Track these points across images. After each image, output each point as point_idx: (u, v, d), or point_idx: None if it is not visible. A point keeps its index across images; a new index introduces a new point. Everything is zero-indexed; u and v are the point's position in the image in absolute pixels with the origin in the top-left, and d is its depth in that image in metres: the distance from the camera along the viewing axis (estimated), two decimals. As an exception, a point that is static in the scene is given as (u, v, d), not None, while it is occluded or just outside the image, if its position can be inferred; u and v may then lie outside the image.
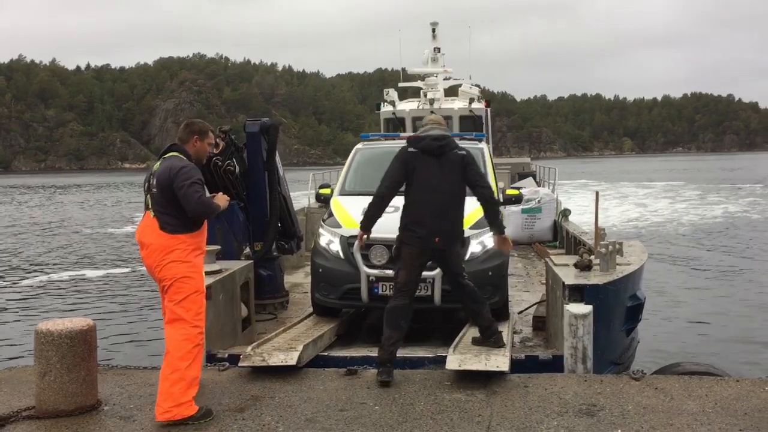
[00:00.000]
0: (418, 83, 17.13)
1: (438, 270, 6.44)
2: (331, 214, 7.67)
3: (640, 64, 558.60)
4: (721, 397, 5.03)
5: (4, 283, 18.62)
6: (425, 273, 6.13)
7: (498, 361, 5.62)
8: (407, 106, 15.89)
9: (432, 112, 15.50)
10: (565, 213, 14.12)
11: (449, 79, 17.59)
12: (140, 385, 5.56)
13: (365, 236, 6.14)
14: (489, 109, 16.61)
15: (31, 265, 22.15)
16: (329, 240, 7.28)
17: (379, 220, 6.13)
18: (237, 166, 8.44)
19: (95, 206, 49.14)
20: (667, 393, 5.10)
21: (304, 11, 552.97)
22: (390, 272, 6.35)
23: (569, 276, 6.42)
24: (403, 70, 18.02)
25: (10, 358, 10.75)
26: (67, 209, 46.59)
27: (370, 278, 6.79)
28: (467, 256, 6.73)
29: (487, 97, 20.23)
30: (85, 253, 24.79)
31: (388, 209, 6.24)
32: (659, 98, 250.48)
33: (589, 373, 5.79)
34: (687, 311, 13.83)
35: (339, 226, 7.33)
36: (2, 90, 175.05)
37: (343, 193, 8.25)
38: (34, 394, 4.98)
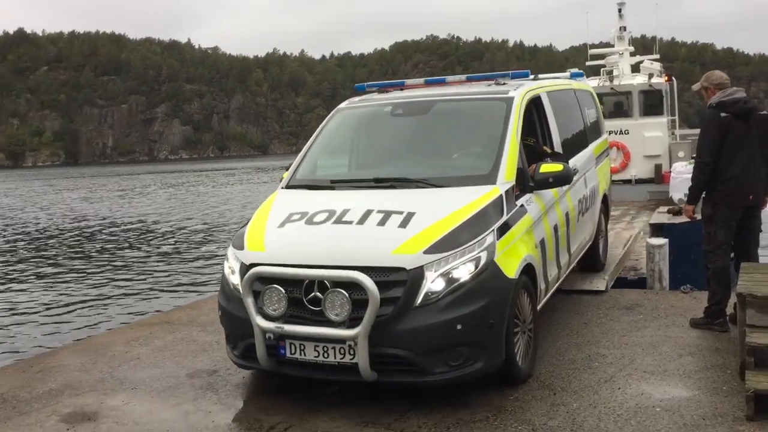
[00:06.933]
0: (604, 61, 18.56)
1: (359, 328, 4.22)
2: (245, 224, 5.28)
3: None
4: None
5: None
6: (343, 332, 4.29)
7: (598, 283, 7.58)
8: (589, 84, 17.40)
9: (612, 88, 17.03)
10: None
11: (634, 55, 18.83)
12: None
13: (693, 209, 6.08)
14: (672, 84, 17.56)
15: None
16: (230, 268, 4.94)
17: (283, 241, 4.82)
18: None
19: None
20: (700, 300, 6.89)
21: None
22: (298, 328, 4.43)
23: (657, 218, 8.40)
24: (591, 47, 19.52)
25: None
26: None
27: (267, 335, 4.50)
28: (419, 299, 4.35)
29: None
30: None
31: (293, 216, 4.97)
32: None
33: (665, 290, 7.76)
34: None
35: (242, 247, 4.92)
36: (260, 81, 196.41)
37: (291, 185, 5.82)
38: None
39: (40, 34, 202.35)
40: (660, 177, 16.31)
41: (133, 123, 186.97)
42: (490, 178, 5.14)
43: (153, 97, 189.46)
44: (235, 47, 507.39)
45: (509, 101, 5.68)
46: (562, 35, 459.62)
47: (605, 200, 8.12)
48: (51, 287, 17.53)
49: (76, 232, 29.23)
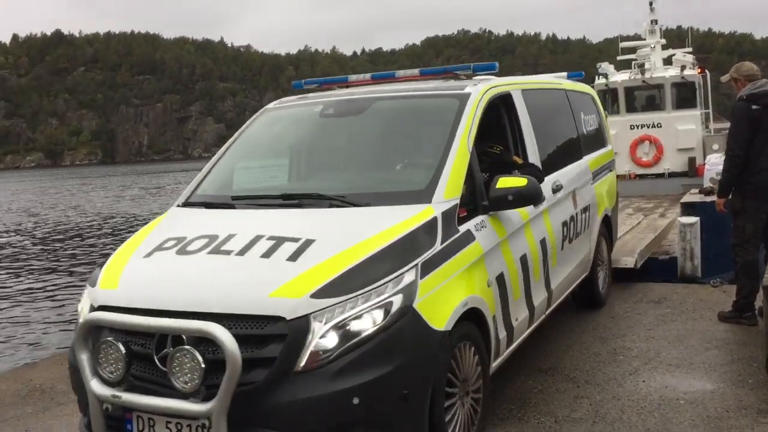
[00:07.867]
0: (635, 54, 18.35)
1: (214, 401, 3.07)
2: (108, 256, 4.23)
3: None
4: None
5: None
6: (193, 407, 3.15)
7: (627, 261, 7.61)
8: (619, 78, 17.22)
9: (644, 81, 16.84)
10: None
11: (667, 48, 18.59)
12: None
13: (723, 203, 6.02)
14: (706, 76, 17.28)
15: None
16: (82, 310, 3.86)
17: (141, 277, 3.71)
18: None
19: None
20: (729, 294, 6.81)
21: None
22: (139, 398, 3.30)
23: (689, 197, 8.34)
24: (626, 40, 19.31)
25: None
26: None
27: (105, 406, 3.39)
28: (302, 361, 3.17)
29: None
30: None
31: (167, 243, 3.87)
32: None
33: (697, 269, 7.79)
34: None
35: (95, 283, 3.87)
36: (292, 79, 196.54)
37: (189, 201, 4.71)
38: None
39: (77, 35, 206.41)
40: (694, 170, 16.10)
41: (168, 121, 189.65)
42: (424, 195, 3.94)
43: (187, 95, 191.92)
44: (267, 45, 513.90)
45: (463, 98, 4.53)
46: (596, 27, 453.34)
47: (607, 222, 6.79)
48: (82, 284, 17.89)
49: (109, 230, 29.79)
